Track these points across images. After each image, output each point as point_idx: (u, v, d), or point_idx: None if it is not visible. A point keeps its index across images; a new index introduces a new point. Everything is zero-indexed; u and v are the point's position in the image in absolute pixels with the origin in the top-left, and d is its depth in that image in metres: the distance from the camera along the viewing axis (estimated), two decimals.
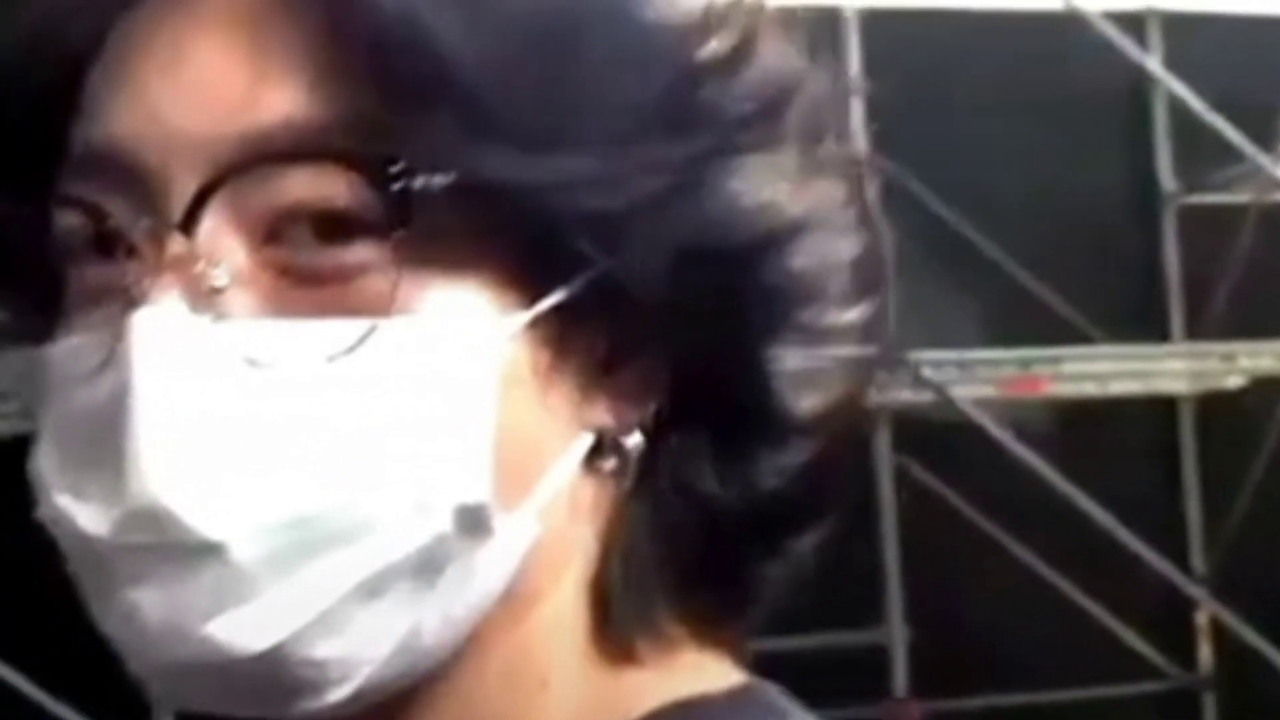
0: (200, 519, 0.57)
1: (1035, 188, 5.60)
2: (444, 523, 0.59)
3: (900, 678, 5.34)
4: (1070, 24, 5.25)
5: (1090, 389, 5.48)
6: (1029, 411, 5.59)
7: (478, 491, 0.59)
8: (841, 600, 5.46)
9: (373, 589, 0.59)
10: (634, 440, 0.64)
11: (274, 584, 0.58)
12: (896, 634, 5.32)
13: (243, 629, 0.58)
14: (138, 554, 0.57)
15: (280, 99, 0.59)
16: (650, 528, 0.65)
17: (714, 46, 0.63)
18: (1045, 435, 5.50)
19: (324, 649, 0.59)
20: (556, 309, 0.61)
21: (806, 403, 0.67)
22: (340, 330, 0.58)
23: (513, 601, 0.63)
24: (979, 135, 5.58)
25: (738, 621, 0.69)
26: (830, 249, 0.67)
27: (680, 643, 0.67)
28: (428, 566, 0.59)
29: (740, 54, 0.64)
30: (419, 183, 0.57)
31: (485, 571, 0.61)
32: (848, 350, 0.69)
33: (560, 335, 0.62)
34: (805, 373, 0.66)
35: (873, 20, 5.31)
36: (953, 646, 5.27)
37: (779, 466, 0.67)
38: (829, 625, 5.38)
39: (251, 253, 0.59)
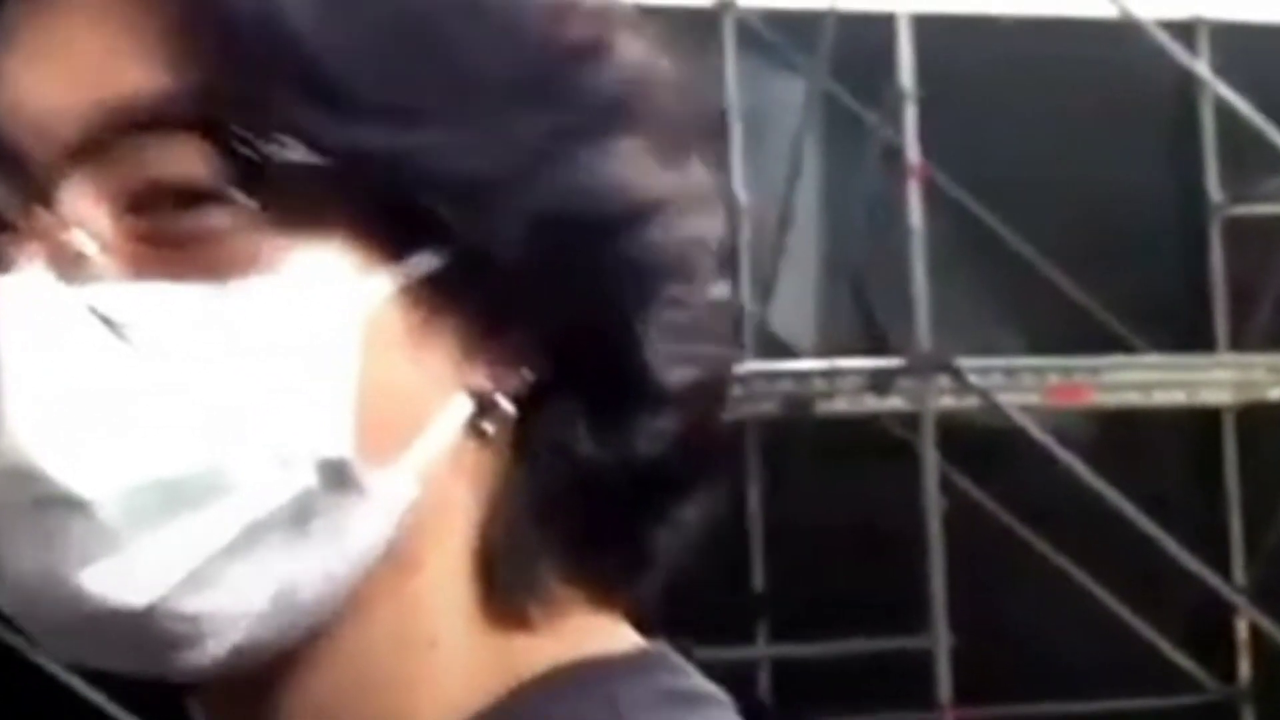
0: (68, 476, 0.58)
1: (1082, 195, 5.59)
2: (308, 478, 0.60)
3: (944, 684, 5.33)
4: (1120, 31, 5.24)
5: (1134, 398, 5.47)
6: (1070, 420, 5.58)
7: (339, 447, 0.61)
8: (887, 606, 5.47)
9: (243, 545, 0.60)
10: (511, 404, 0.66)
11: (143, 540, 0.59)
12: (941, 640, 5.32)
13: (115, 584, 0.59)
14: (9, 512, 0.59)
15: (136, 74, 0.61)
16: (531, 492, 0.66)
17: (577, 30, 0.66)
18: (1086, 444, 5.49)
19: (195, 604, 0.60)
20: (426, 274, 0.63)
21: (679, 374, 0.67)
22: (199, 293, 0.60)
23: (395, 561, 0.64)
24: (1027, 141, 5.57)
25: (629, 586, 0.69)
26: (696, 228, 0.68)
27: (572, 607, 0.67)
28: (297, 522, 0.61)
29: (601, 40, 0.66)
30: (268, 150, 0.60)
31: (361, 528, 0.62)
32: (717, 324, 0.70)
33: (433, 299, 0.64)
34: (677, 344, 0.67)
35: (925, 25, 5.30)
36: (995, 654, 5.26)
37: (654, 432, 0.67)
38: (874, 631, 5.39)
39: (115, 221, 0.61)
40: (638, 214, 0.67)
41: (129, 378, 0.59)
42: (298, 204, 0.61)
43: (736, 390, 5.69)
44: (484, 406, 0.65)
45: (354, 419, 0.61)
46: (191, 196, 0.61)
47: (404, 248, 0.63)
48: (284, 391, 0.60)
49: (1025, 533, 5.35)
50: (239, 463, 0.59)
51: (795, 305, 6.04)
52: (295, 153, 0.60)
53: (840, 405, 5.80)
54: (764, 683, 5.83)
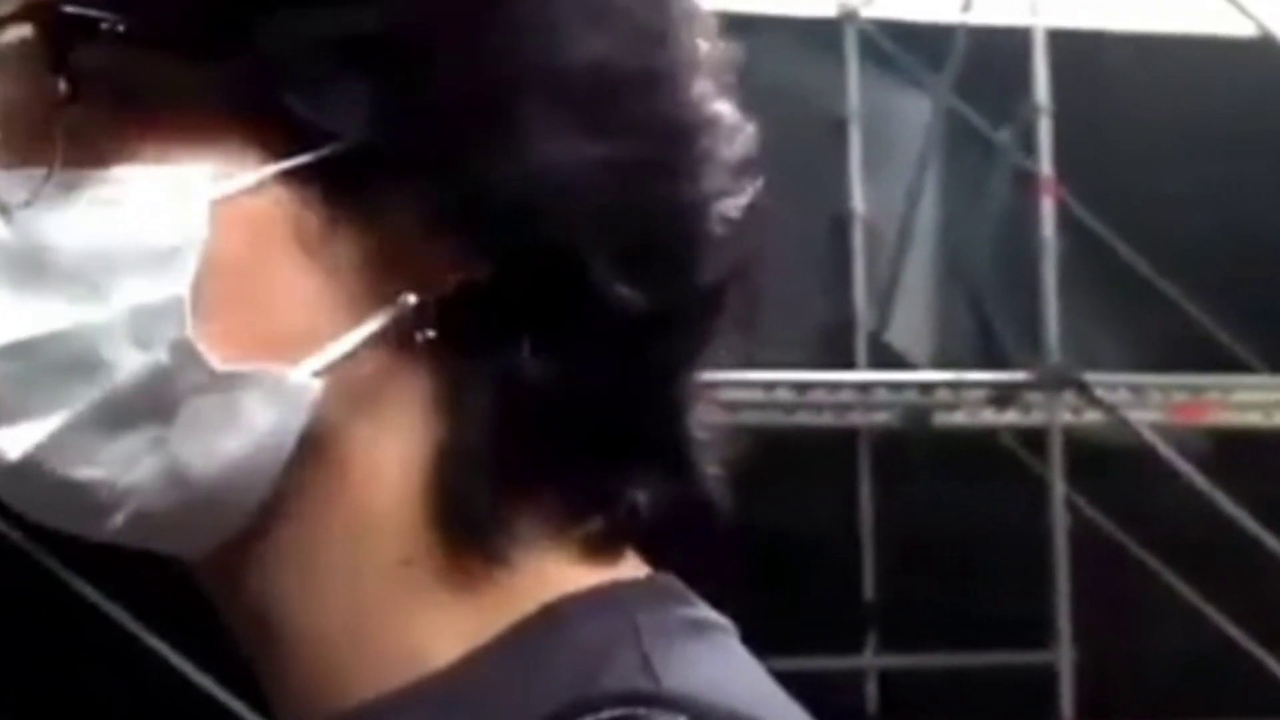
0: None
1: (1210, 213, 5.54)
2: (160, 356, 0.62)
3: (1067, 699, 5.31)
4: (1255, 48, 5.19)
5: (1255, 419, 5.41)
6: (1187, 437, 5.53)
7: (186, 328, 0.62)
8: (998, 620, 5.45)
9: (108, 417, 0.63)
10: (436, 314, 0.65)
11: (15, 399, 0.63)
12: (1065, 655, 5.29)
13: (3, 436, 0.63)
14: None
15: None
16: (469, 410, 0.66)
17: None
18: (1204, 462, 5.44)
19: (82, 472, 0.63)
20: (322, 175, 0.63)
21: (636, 299, 0.66)
22: (71, 178, 0.62)
23: (326, 462, 0.65)
24: (1154, 157, 5.53)
25: (620, 526, 0.68)
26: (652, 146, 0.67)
27: (564, 542, 0.68)
28: (161, 400, 0.63)
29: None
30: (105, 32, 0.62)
31: (256, 418, 0.64)
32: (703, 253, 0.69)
33: (327, 201, 0.64)
34: (639, 268, 0.66)
35: (1062, 41, 5.28)
36: (1114, 669, 5.23)
37: (606, 362, 0.67)
38: (984, 645, 5.37)
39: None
40: (570, 97, 0.65)
41: (6, 255, 0.63)
42: (171, 97, 0.63)
43: (850, 399, 5.76)
44: (413, 315, 0.65)
45: (217, 308, 0.63)
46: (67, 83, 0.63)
47: (287, 144, 0.63)
48: (135, 273, 0.62)
49: (1144, 552, 5.30)
50: (96, 335, 0.62)
51: (911, 318, 6.02)
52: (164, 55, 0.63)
53: (958, 418, 5.78)
54: (871, 693, 5.82)
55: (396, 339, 0.65)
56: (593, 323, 0.66)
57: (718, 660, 0.68)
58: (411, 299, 0.64)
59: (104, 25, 0.62)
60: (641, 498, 0.68)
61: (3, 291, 0.63)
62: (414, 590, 0.66)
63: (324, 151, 0.63)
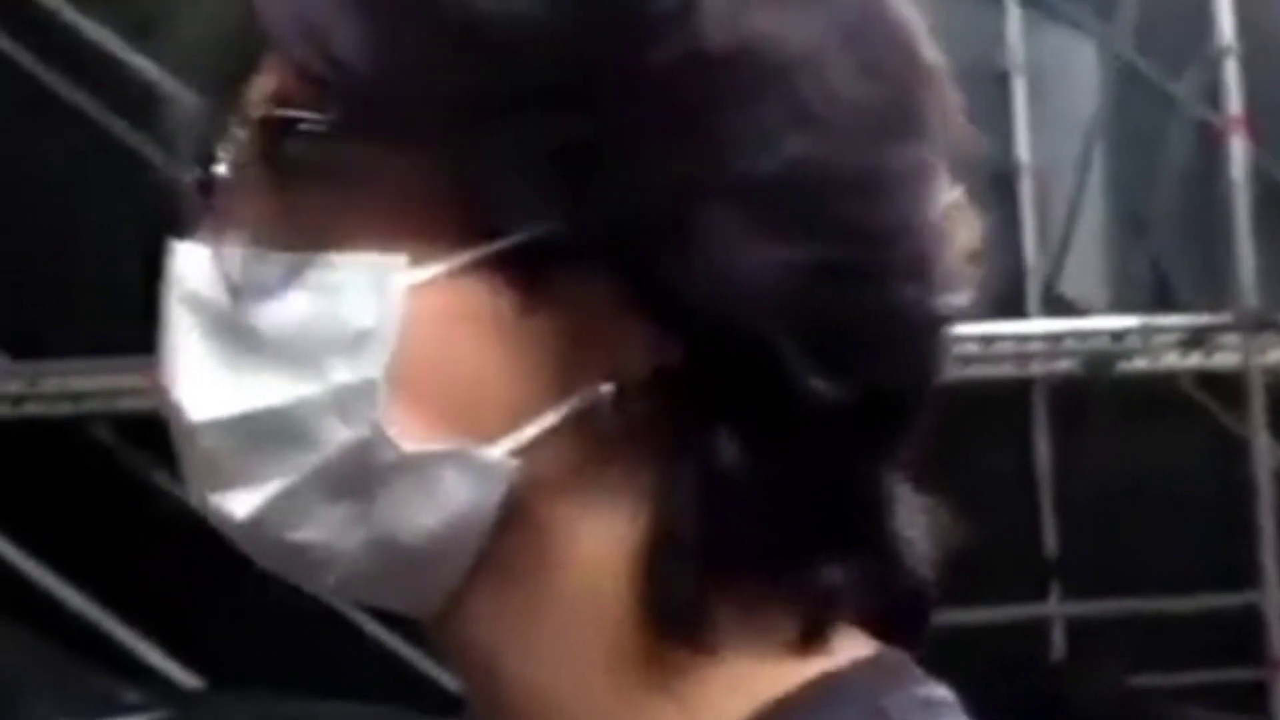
0: (189, 409, 0.68)
1: None
2: (362, 432, 0.66)
3: (1276, 640, 5.27)
4: None
5: None
6: None
7: (378, 408, 0.66)
8: (1218, 563, 5.42)
9: (323, 487, 0.67)
10: (640, 399, 0.66)
11: (236, 466, 0.67)
12: (1272, 596, 5.25)
13: (227, 501, 0.68)
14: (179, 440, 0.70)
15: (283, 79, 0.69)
16: (671, 497, 0.66)
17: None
18: None
19: (298, 535, 0.67)
20: (515, 262, 0.65)
21: (837, 386, 0.66)
22: (290, 261, 0.67)
23: (525, 541, 0.67)
24: None
25: (820, 600, 0.68)
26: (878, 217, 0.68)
27: (776, 624, 0.68)
28: (363, 473, 0.66)
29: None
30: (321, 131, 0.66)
31: (450, 491, 0.66)
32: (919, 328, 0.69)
33: (520, 287, 0.66)
34: (842, 351, 0.66)
35: None
36: None
37: (804, 450, 0.67)
38: (1206, 587, 5.34)
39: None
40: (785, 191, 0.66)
41: (232, 331, 0.68)
42: (372, 187, 0.66)
43: (1025, 348, 5.74)
44: (608, 400, 0.66)
45: (412, 389, 0.65)
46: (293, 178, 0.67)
47: (482, 232, 0.65)
48: (342, 355, 0.66)
49: None
50: (308, 410, 0.66)
51: (1084, 267, 5.99)
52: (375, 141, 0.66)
53: (1139, 364, 5.75)
54: (1057, 641, 5.83)
55: (591, 424, 0.66)
56: (789, 413, 0.66)
57: None
58: (605, 386, 0.66)
59: (308, 124, 0.66)
60: (846, 588, 0.68)
61: (226, 368, 0.67)
62: (632, 680, 0.67)
63: (518, 239, 0.65)
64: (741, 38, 0.66)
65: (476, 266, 0.66)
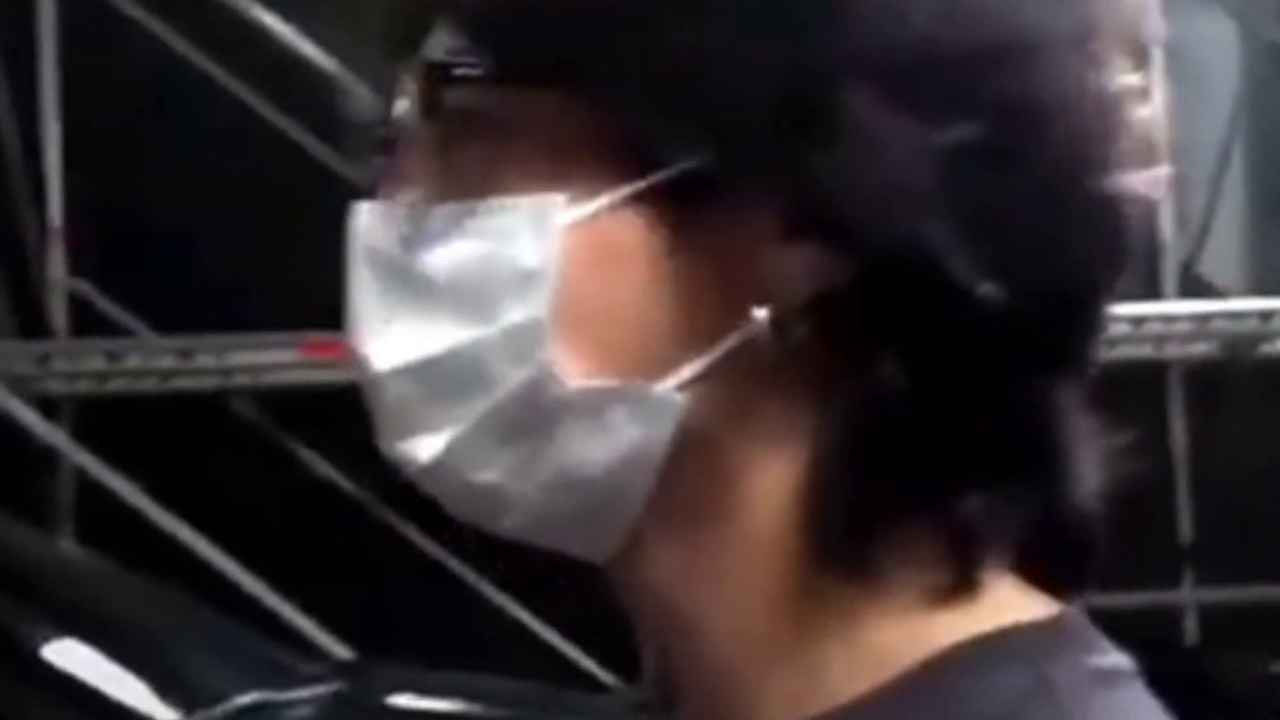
0: (373, 360, 0.70)
1: None
2: (531, 372, 0.67)
3: None
4: None
5: None
6: None
7: (545, 346, 0.67)
8: None
9: (500, 428, 0.68)
10: (801, 327, 0.66)
11: (418, 412, 0.69)
12: None
13: (411, 446, 0.69)
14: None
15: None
16: (837, 429, 0.66)
17: None
18: None
19: (479, 476, 0.69)
20: (670, 195, 0.65)
21: (1004, 306, 0.64)
22: (459, 210, 0.68)
23: (699, 474, 0.67)
24: None
25: (986, 548, 0.67)
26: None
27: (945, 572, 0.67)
28: (536, 412, 0.68)
29: None
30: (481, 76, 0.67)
31: (620, 429, 0.67)
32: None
33: (676, 220, 0.66)
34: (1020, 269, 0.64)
35: None
36: None
37: (977, 389, 0.65)
38: None
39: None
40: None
41: (409, 284, 0.69)
42: (529, 131, 0.67)
43: (1164, 329, 5.69)
44: (771, 329, 0.65)
45: (577, 327, 0.66)
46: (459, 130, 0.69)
47: (636, 168, 0.66)
48: (510, 296, 0.67)
49: None
50: (483, 352, 0.67)
51: (1223, 249, 5.92)
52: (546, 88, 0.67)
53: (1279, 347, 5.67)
54: (1190, 627, 5.77)
55: (753, 356, 0.66)
56: (953, 324, 0.64)
57: (1130, 715, 0.66)
58: (764, 313, 0.65)
59: (467, 70, 0.67)
60: (1007, 517, 0.67)
61: (404, 318, 0.69)
62: (798, 618, 0.67)
63: (671, 172, 0.65)
64: None
65: (632, 202, 0.66)
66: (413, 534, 5.22)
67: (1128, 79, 0.67)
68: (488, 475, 0.68)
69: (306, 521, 5.10)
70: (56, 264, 5.30)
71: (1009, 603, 0.67)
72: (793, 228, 0.65)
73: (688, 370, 0.66)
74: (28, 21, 5.24)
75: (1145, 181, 0.67)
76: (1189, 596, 5.78)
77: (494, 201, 0.67)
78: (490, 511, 0.70)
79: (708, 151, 0.65)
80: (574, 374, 0.67)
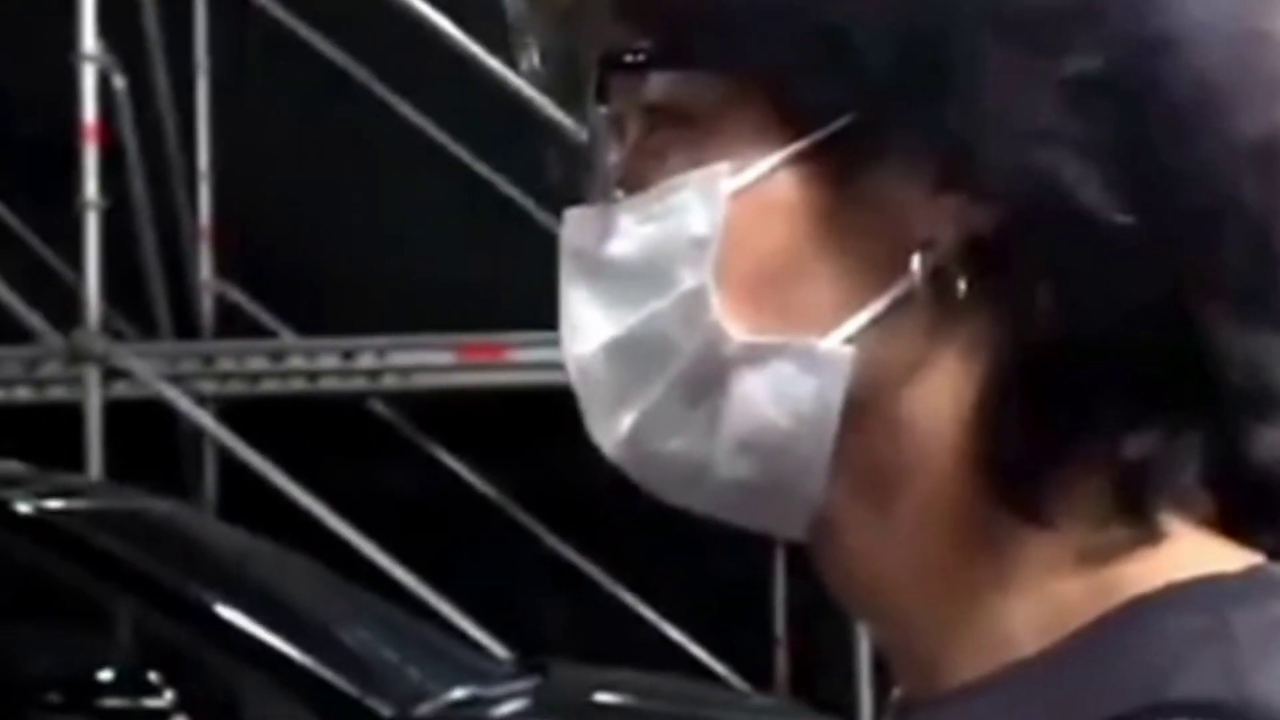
0: (573, 347, 0.73)
1: None
2: (704, 334, 0.69)
3: None
4: None
5: None
6: None
7: (713, 307, 0.69)
8: None
9: (685, 393, 0.70)
10: (959, 270, 0.68)
11: (612, 390, 0.72)
12: None
13: (609, 424, 0.72)
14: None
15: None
16: (1003, 365, 0.68)
17: None
18: None
19: (671, 444, 0.71)
20: (824, 157, 0.68)
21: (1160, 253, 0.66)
22: (640, 202, 0.72)
23: (875, 425, 0.69)
24: None
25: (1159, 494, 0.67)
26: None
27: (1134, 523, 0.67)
28: (713, 374, 0.70)
29: None
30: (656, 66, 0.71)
31: (794, 384, 0.69)
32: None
33: (831, 179, 0.69)
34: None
35: None
36: None
37: (1116, 305, 0.67)
38: None
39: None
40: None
41: (601, 273, 0.72)
42: (695, 109, 0.71)
43: None
44: (928, 276, 0.68)
45: (746, 287, 0.69)
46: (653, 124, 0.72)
47: (791, 134, 0.69)
48: (685, 264, 0.70)
49: None
50: (663, 321, 0.70)
51: None
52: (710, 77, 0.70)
53: None
54: None
55: (915, 306, 0.68)
56: (1098, 256, 0.66)
57: None
58: (920, 262, 0.68)
59: (632, 58, 0.71)
60: (1176, 460, 0.67)
61: (597, 304, 0.72)
62: (991, 568, 0.69)
63: (822, 134, 0.68)
64: None
65: (790, 165, 0.69)
66: (543, 533, 5.25)
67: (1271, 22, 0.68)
68: (676, 443, 0.71)
69: (437, 519, 5.13)
70: (205, 265, 5.35)
71: (1199, 554, 0.67)
72: (940, 178, 0.67)
73: (853, 324, 0.68)
74: (184, 25, 5.29)
75: None
76: None
77: (667, 182, 0.70)
78: (684, 482, 0.72)
79: (854, 111, 0.68)
80: (745, 332, 0.69)
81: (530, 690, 2.96)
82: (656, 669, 4.10)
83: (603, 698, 3.06)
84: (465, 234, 5.30)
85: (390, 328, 5.02)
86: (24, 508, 2.81)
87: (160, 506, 3.32)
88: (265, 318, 5.35)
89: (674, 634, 5.15)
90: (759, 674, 5.07)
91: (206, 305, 5.37)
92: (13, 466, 3.31)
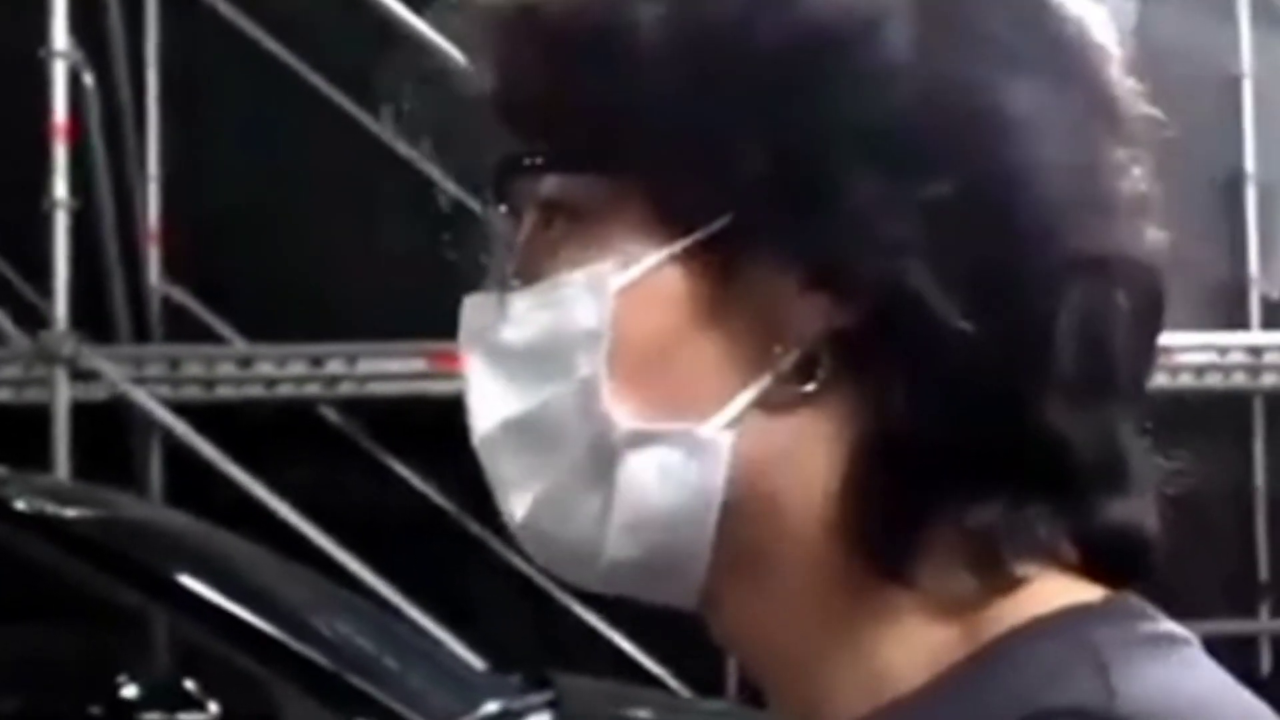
0: (476, 425, 0.78)
1: None
2: (594, 423, 0.74)
3: None
4: None
5: None
6: None
7: (602, 398, 0.74)
8: None
9: (576, 481, 0.75)
10: (826, 360, 0.73)
11: (511, 468, 0.77)
12: None
13: (509, 503, 0.77)
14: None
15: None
16: (862, 447, 0.73)
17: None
18: None
19: (564, 530, 0.76)
20: (706, 255, 0.74)
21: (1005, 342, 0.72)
22: (535, 291, 0.77)
23: (752, 504, 0.74)
24: None
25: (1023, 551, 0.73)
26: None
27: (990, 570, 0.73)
28: (602, 462, 0.74)
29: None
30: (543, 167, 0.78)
31: (679, 469, 0.74)
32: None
33: (713, 277, 0.74)
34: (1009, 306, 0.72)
35: None
36: None
37: (963, 395, 0.72)
38: None
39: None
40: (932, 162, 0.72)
41: (500, 357, 0.78)
42: (582, 210, 0.76)
43: (1252, 360, 5.71)
44: (795, 368, 0.74)
45: (632, 377, 0.74)
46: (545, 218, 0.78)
47: (676, 232, 0.74)
48: (578, 354, 0.75)
49: None
50: (560, 406, 0.75)
51: None
52: (593, 181, 0.76)
53: None
54: (1265, 657, 5.79)
55: (788, 390, 0.74)
56: (946, 356, 0.72)
57: (1177, 673, 0.70)
58: (788, 353, 0.74)
59: (528, 162, 0.77)
60: (1028, 525, 0.73)
61: (498, 385, 0.77)
62: (865, 623, 0.74)
63: (698, 236, 0.74)
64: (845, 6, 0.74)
65: (670, 263, 0.75)
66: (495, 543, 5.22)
67: (1119, 152, 0.75)
68: (570, 526, 0.75)
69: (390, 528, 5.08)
70: (153, 267, 5.26)
71: (1062, 594, 0.73)
72: (808, 277, 0.73)
73: (731, 410, 0.74)
74: (135, 24, 5.20)
75: (1137, 245, 0.75)
76: (1265, 626, 5.79)
77: (558, 277, 0.76)
78: (578, 564, 0.76)
79: (727, 216, 0.74)
80: (631, 419, 0.74)
81: (548, 704, 2.93)
82: (601, 676, 4.11)
83: (626, 712, 3.04)
84: (413, 239, 5.26)
85: (345, 335, 4.98)
86: (64, 513, 2.75)
87: (174, 516, 3.26)
88: (214, 321, 5.28)
89: (625, 644, 5.15)
90: (708, 687, 5.08)
91: (154, 308, 5.28)
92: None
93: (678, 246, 0.74)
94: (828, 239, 0.72)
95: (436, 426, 5.26)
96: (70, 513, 2.78)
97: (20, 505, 2.76)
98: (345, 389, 4.97)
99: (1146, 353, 0.77)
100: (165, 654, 2.81)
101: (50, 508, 2.74)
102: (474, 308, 0.79)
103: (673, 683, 5.04)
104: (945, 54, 0.73)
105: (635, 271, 0.74)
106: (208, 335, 5.25)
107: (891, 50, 0.73)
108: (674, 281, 0.74)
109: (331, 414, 5.24)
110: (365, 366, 4.89)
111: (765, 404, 0.74)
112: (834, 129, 0.72)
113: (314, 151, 5.34)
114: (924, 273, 0.72)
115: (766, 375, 0.74)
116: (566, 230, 0.76)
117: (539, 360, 0.76)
